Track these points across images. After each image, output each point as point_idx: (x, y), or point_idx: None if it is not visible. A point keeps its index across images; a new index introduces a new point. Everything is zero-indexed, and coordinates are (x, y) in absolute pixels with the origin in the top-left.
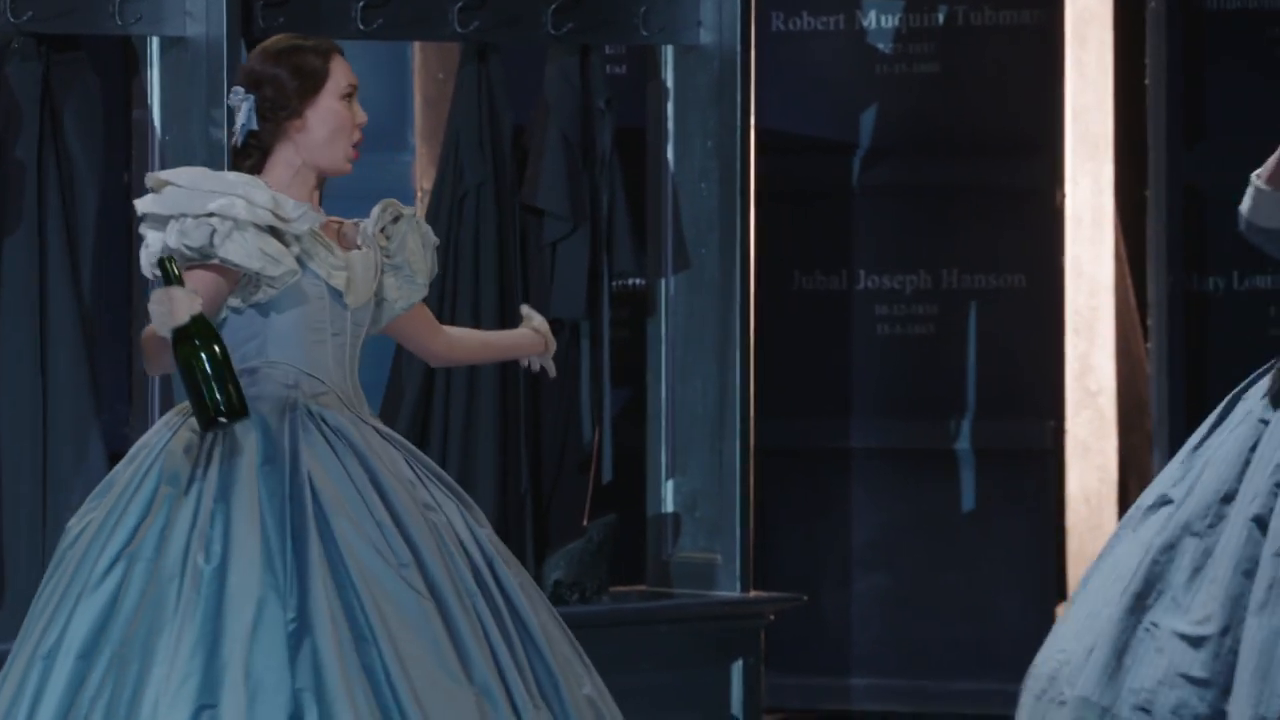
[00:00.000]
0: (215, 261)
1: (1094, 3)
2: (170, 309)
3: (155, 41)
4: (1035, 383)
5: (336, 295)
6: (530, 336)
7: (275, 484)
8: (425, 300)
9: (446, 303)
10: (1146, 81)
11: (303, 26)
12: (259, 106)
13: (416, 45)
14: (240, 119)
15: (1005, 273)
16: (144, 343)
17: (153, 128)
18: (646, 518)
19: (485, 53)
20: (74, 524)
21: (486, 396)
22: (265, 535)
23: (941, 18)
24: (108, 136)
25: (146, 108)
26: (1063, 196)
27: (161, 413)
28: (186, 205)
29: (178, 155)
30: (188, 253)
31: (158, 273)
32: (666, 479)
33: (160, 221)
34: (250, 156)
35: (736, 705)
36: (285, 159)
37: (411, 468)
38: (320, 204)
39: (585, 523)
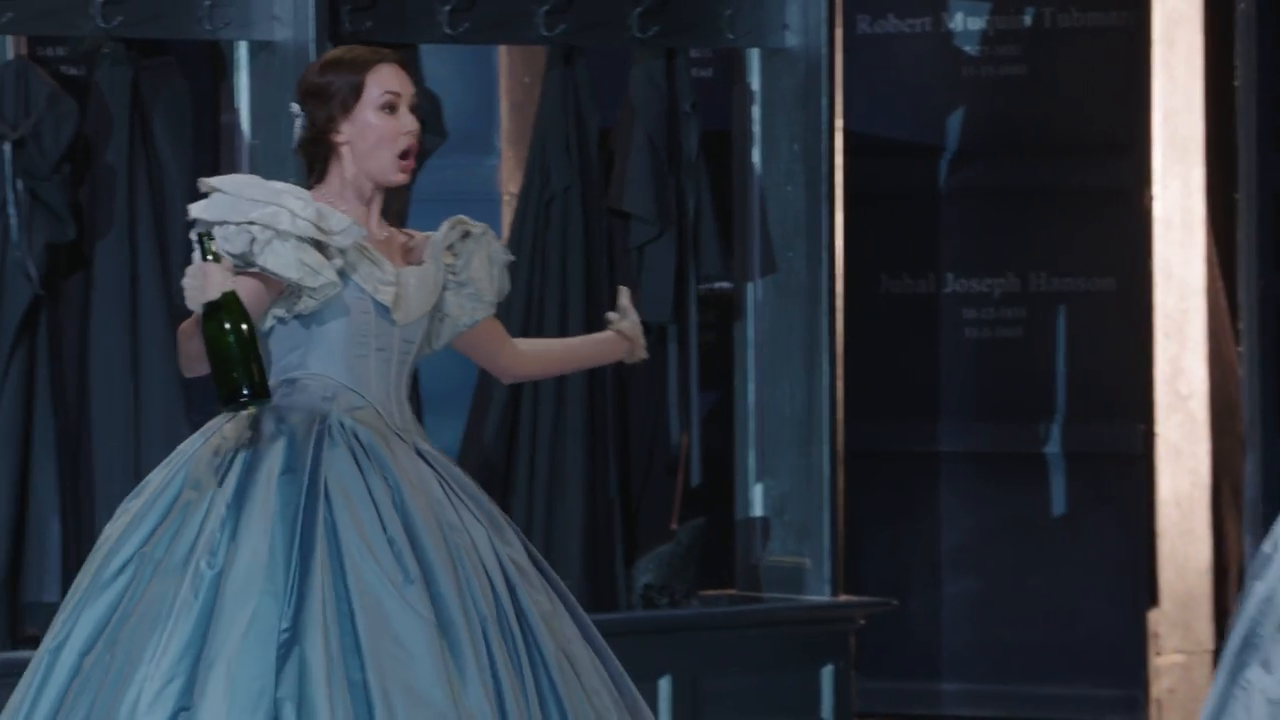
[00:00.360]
0: (256, 269)
1: (1183, 4)
2: (204, 283)
3: (244, 46)
4: (1125, 386)
5: (384, 310)
6: (612, 342)
7: (291, 494)
8: (506, 314)
9: (534, 306)
10: (1236, 83)
11: (389, 30)
12: (305, 121)
13: (503, 49)
14: (295, 133)
15: (1094, 276)
16: (180, 336)
17: (241, 132)
18: (735, 521)
19: (571, 56)
20: (109, 526)
21: (575, 400)
22: (272, 544)
23: (1028, 20)
24: (197, 140)
25: (235, 112)
26: (1151, 199)
27: None
28: (230, 212)
29: (267, 159)
30: (230, 259)
31: (196, 249)
32: (755, 482)
33: (206, 227)
34: (313, 169)
35: (826, 709)
36: (337, 170)
37: (444, 488)
38: (385, 212)
39: (674, 526)
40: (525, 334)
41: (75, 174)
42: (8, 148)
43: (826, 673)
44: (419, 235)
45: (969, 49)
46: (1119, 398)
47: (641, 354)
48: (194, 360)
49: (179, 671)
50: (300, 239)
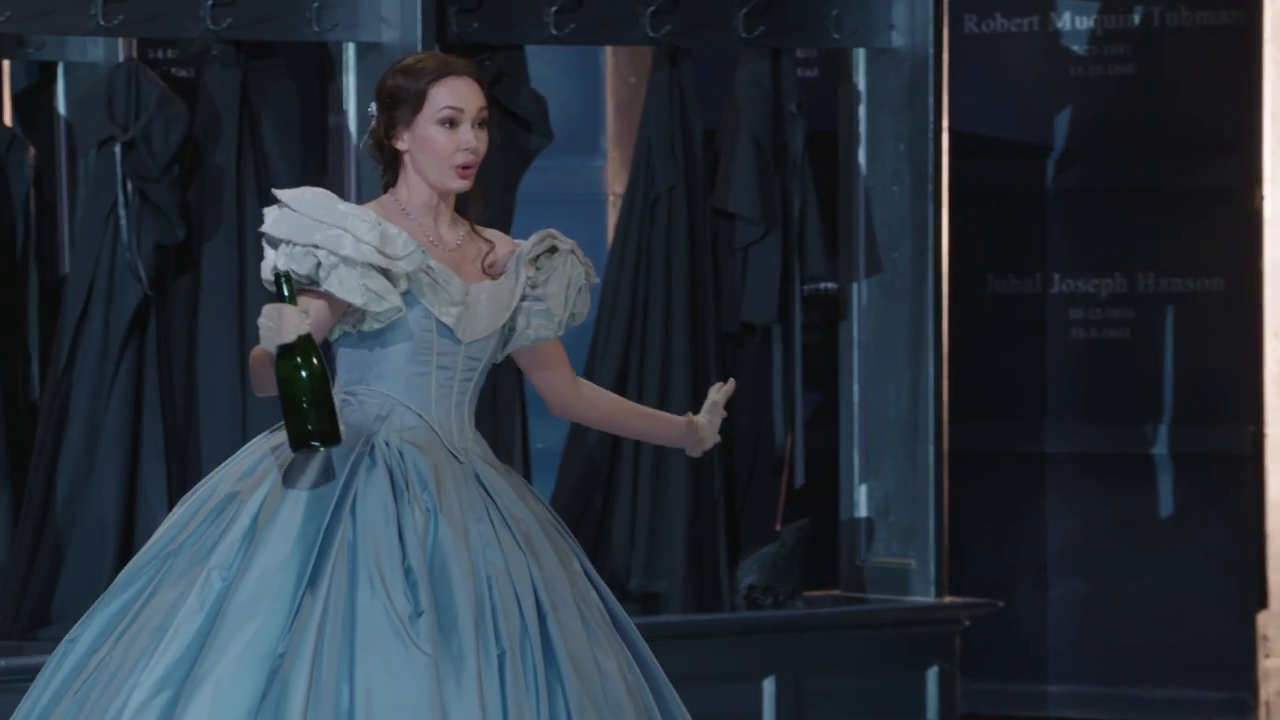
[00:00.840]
0: (315, 290)
1: None
2: (279, 325)
3: (351, 47)
4: (1234, 387)
5: (448, 329)
6: (680, 429)
7: (315, 514)
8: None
9: (639, 307)
10: None
11: (496, 31)
12: (375, 122)
13: (609, 49)
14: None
15: (1203, 276)
16: (252, 360)
17: (348, 133)
18: (839, 522)
19: (677, 56)
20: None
21: (679, 401)
22: (286, 563)
23: (1137, 19)
24: (304, 141)
25: (342, 113)
26: (1261, 198)
27: None
28: (295, 232)
29: (372, 161)
30: (296, 278)
31: (273, 286)
32: (859, 483)
33: (273, 241)
34: (386, 170)
35: (931, 711)
36: (405, 174)
37: (489, 514)
38: (463, 209)
39: (778, 527)
40: (629, 334)
41: (184, 175)
42: (118, 149)
43: (931, 674)
44: (503, 244)
45: (1077, 48)
46: (1227, 398)
47: (699, 451)
48: (265, 385)
49: (169, 684)
50: (365, 265)
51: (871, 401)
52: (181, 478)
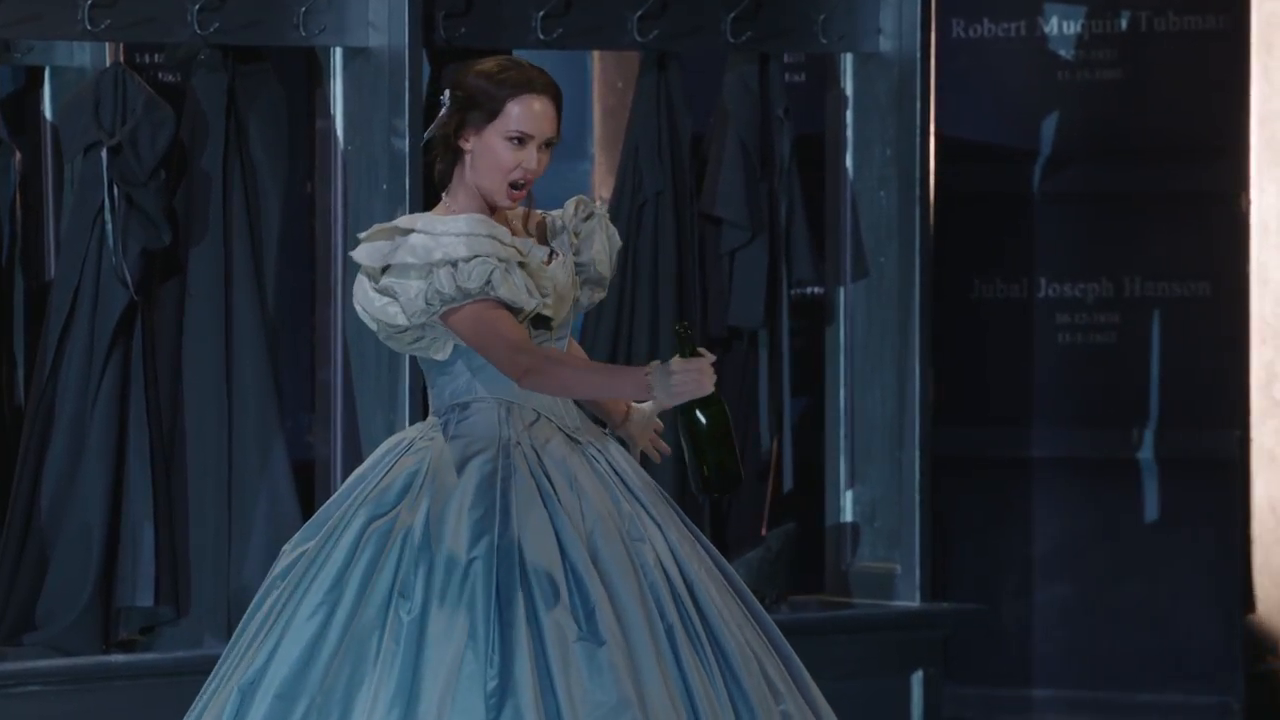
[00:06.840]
0: (488, 299)
1: None
2: (700, 380)
3: (338, 52)
4: (1220, 392)
5: (545, 320)
6: (618, 415)
7: (484, 535)
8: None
9: (625, 311)
10: None
11: (484, 36)
12: (444, 117)
13: (596, 54)
14: (439, 120)
15: (1189, 280)
16: (596, 379)
17: (335, 138)
18: (825, 527)
19: (664, 61)
20: (289, 549)
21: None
22: (469, 588)
23: (1124, 23)
24: (291, 147)
25: (329, 118)
26: (1248, 203)
27: (343, 423)
28: (448, 251)
29: (359, 165)
30: (456, 295)
31: (677, 338)
32: (845, 488)
33: (413, 270)
34: (442, 160)
35: (917, 716)
36: (460, 174)
37: (622, 496)
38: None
39: (764, 531)
40: (615, 338)
41: (171, 180)
42: (104, 154)
43: (916, 679)
44: (542, 217)
45: (1063, 53)
46: (1213, 403)
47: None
48: (593, 392)
49: None
50: (515, 263)
51: (858, 406)
52: (167, 483)
